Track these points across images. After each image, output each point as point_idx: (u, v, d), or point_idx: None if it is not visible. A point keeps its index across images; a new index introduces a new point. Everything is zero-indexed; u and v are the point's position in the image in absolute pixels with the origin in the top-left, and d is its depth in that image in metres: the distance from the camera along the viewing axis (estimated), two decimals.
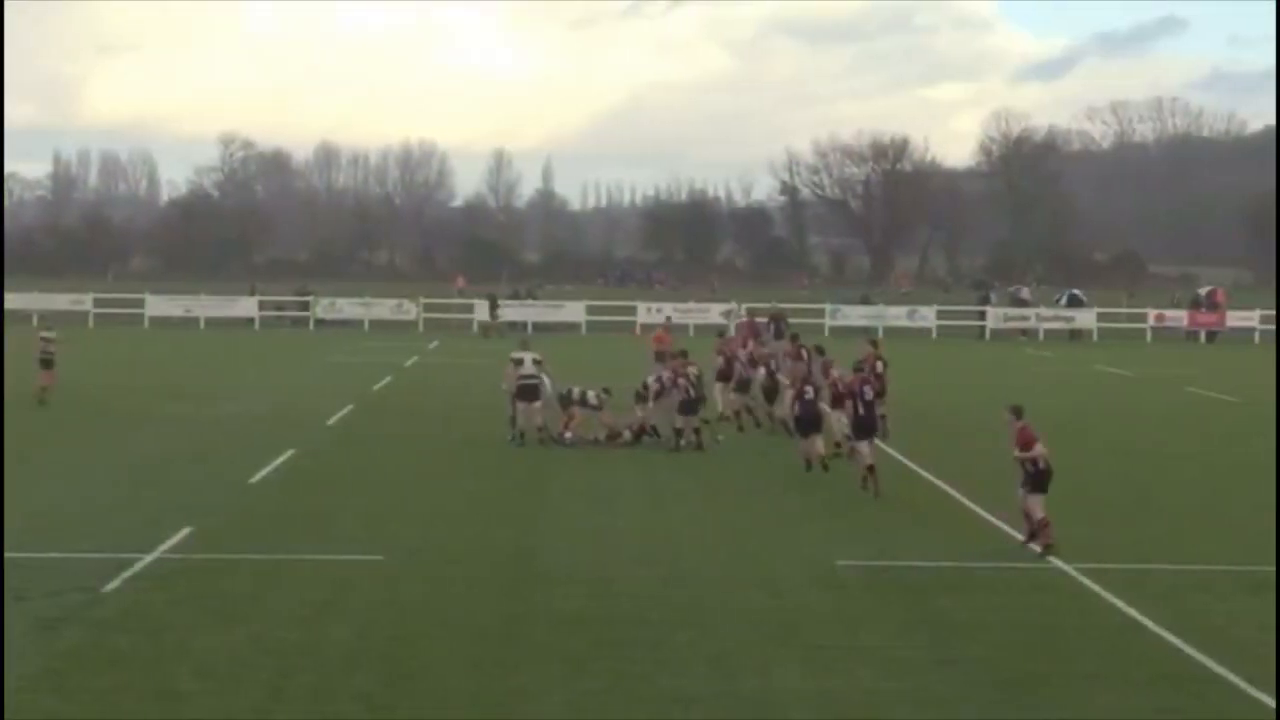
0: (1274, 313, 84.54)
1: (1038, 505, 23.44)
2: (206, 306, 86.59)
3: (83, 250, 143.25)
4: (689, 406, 34.20)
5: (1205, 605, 19.94)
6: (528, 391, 34.54)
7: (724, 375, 38.94)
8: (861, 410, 29.13)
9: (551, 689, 15.94)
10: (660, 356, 40.78)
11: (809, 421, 30.86)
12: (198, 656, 16.84)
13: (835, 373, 32.70)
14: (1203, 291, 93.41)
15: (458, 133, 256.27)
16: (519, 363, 34.90)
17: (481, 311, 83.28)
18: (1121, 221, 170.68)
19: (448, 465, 31.55)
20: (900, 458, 33.25)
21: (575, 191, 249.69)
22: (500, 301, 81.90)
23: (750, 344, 41.38)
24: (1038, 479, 23.54)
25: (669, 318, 63.73)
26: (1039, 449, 23.66)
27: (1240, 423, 42.01)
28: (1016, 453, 23.75)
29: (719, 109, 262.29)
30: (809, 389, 31.01)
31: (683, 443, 33.84)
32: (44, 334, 43.31)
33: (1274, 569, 22.02)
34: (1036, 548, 23.07)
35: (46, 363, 42.21)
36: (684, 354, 35.80)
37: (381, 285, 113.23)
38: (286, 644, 17.40)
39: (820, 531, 24.90)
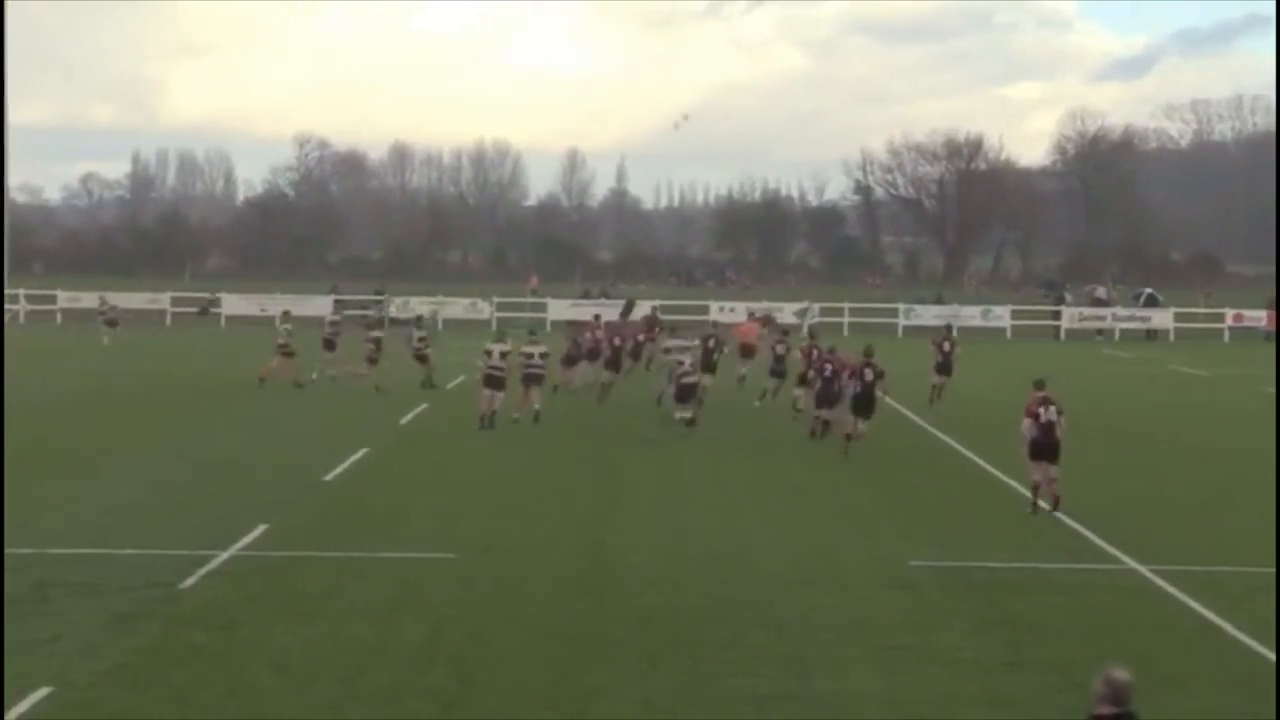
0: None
1: (1032, 468, 26.44)
2: (282, 305, 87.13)
3: (160, 250, 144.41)
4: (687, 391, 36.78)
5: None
6: (492, 381, 37.14)
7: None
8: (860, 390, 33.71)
9: (624, 687, 15.97)
10: (747, 349, 45.43)
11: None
12: (273, 653, 16.98)
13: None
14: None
15: (531, 132, 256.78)
16: (488, 353, 37.50)
17: (557, 310, 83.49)
18: (1199, 221, 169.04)
19: (518, 463, 31.62)
20: (974, 457, 33.14)
21: (649, 191, 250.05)
22: (636, 303, 79.50)
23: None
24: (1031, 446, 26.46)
25: (752, 312, 64.21)
26: (1025, 421, 26.65)
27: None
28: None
29: (794, 109, 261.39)
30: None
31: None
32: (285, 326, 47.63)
33: None
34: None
35: (286, 352, 46.79)
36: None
37: (455, 285, 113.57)
38: (360, 641, 17.52)
39: (892, 530, 24.84)
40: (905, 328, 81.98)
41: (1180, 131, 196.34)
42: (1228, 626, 18.60)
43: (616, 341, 44.57)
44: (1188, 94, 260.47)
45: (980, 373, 51.60)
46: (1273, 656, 17.29)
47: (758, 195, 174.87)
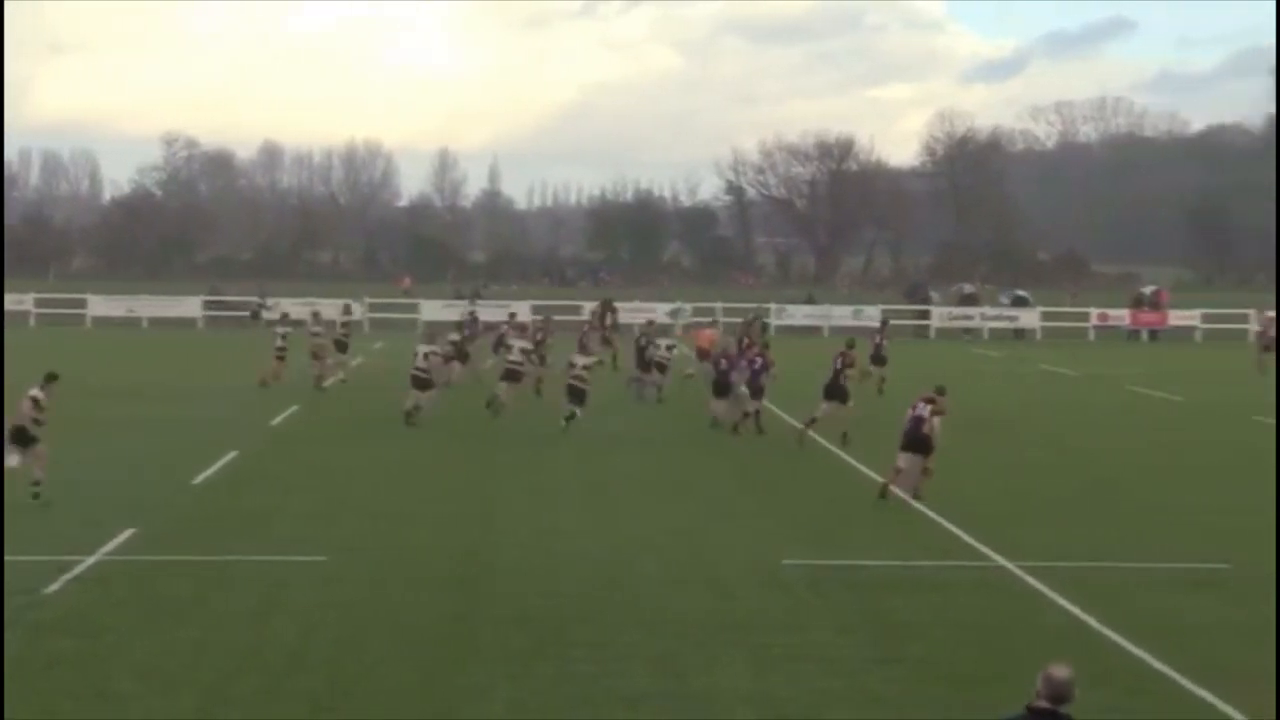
0: (1220, 312, 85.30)
1: (898, 457, 27.83)
2: (150, 306, 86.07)
3: (24, 251, 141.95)
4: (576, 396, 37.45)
5: (1148, 603, 20.06)
6: (416, 381, 38.24)
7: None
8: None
9: (496, 689, 15.90)
10: (703, 354, 47.21)
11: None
12: (139, 658, 16.73)
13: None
14: (1146, 291, 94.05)
15: (403, 132, 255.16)
16: (415, 354, 38.84)
17: (430, 311, 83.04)
18: (1065, 221, 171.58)
19: (390, 465, 31.44)
20: (845, 456, 33.36)
21: (521, 191, 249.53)
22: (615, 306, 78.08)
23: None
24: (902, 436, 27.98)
25: (715, 320, 64.76)
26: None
27: (1182, 421, 42.32)
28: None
29: (667, 109, 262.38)
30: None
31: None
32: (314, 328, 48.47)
33: (1210, 567, 22.24)
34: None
35: (281, 356, 47.64)
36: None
37: (326, 285, 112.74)
38: (229, 646, 17.30)
39: (766, 529, 24.93)
40: (778, 327, 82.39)
41: (1046, 133, 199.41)
42: (1093, 622, 18.84)
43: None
44: (1056, 96, 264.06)
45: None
46: (1139, 652, 17.53)
47: (630, 195, 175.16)
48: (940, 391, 28.23)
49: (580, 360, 38.04)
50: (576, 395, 37.28)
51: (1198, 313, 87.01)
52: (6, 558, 21.35)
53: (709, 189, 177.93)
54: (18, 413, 26.47)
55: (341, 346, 49.35)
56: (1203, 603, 20.11)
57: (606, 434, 36.62)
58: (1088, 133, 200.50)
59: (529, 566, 21.76)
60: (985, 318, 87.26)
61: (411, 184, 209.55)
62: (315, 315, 51.82)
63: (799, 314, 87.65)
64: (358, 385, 47.82)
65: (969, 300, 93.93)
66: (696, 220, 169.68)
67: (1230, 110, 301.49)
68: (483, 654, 17.15)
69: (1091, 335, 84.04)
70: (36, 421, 26.33)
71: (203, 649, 17.17)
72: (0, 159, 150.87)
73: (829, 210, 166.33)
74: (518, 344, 41.52)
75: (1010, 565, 22.14)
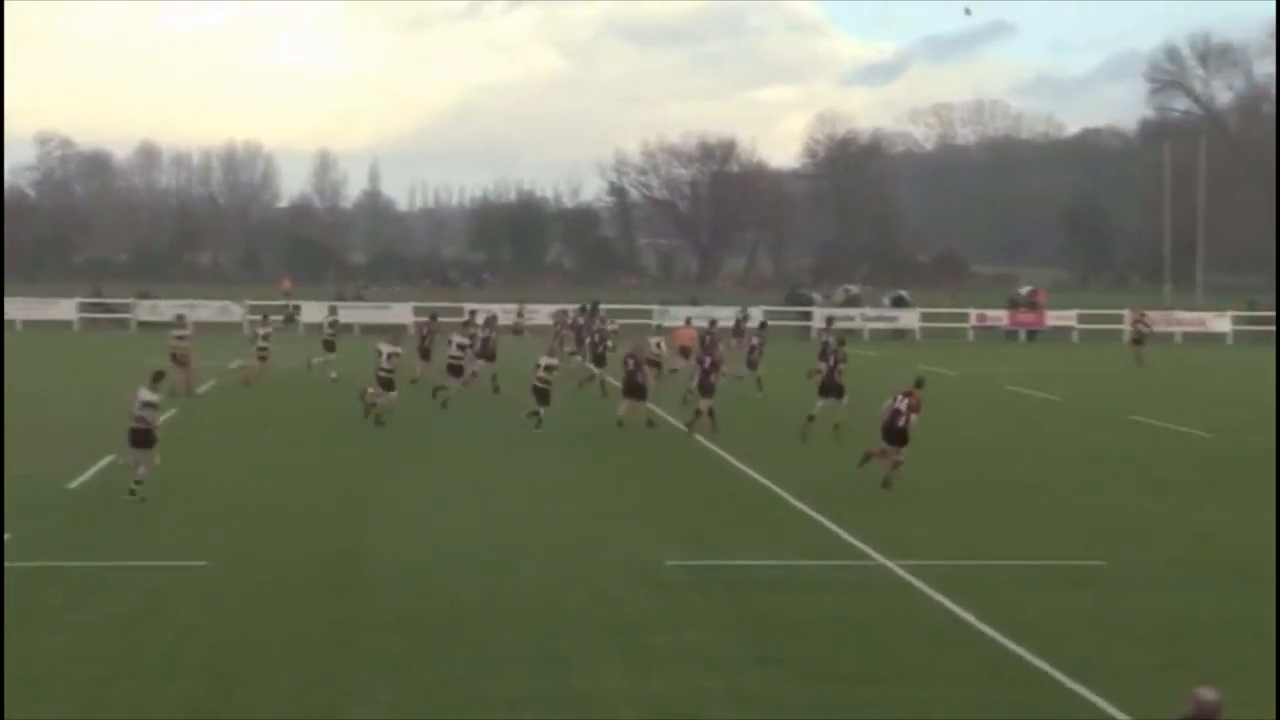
0: (1096, 312, 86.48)
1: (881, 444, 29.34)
2: (23, 309, 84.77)
3: None
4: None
5: (1023, 600, 20.27)
6: (381, 381, 38.80)
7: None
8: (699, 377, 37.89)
9: (376, 692, 15.80)
10: (684, 351, 49.36)
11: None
12: (11, 666, 16.44)
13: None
14: (1023, 291, 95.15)
15: (283, 133, 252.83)
16: (379, 354, 39.24)
17: (311, 313, 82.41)
18: (944, 223, 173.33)
19: (271, 468, 31.18)
20: (726, 456, 33.47)
21: (402, 192, 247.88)
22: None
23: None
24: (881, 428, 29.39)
25: (689, 319, 67.64)
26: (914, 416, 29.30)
27: (1059, 420, 42.82)
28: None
29: (550, 110, 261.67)
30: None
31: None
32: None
33: (1087, 564, 22.53)
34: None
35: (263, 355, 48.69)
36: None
37: (205, 287, 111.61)
38: (105, 653, 17.07)
39: (647, 531, 24.96)
40: (660, 327, 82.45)
41: (925, 135, 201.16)
42: (971, 620, 19.01)
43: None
44: (936, 99, 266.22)
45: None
46: (1016, 649, 17.71)
47: (513, 196, 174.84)
48: (919, 384, 29.80)
49: (545, 360, 38.52)
50: (541, 396, 37.83)
51: (1074, 313, 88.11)
52: None
53: (591, 190, 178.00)
54: (133, 415, 27.05)
55: (330, 346, 50.72)
56: (1079, 600, 20.35)
57: (492, 435, 36.51)
58: (966, 135, 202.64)
59: (410, 569, 21.65)
60: (866, 318, 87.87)
61: (292, 185, 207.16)
62: (180, 319, 51.80)
63: (682, 315, 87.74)
64: (236, 388, 47.34)
65: (851, 301, 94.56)
66: (579, 221, 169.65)
67: (1104, 114, 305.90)
68: (363, 658, 17.03)
69: (971, 336, 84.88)
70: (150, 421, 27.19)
71: (77, 656, 16.93)
72: (0, 159, 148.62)
73: (711, 211, 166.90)
74: (456, 339, 43.12)
75: (890, 564, 22.30)
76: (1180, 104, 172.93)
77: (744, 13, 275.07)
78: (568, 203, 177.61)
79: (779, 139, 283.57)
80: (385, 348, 39.27)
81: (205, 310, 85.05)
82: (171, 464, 31.51)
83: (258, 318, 57.40)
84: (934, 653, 17.57)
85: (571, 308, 63.55)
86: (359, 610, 19.24)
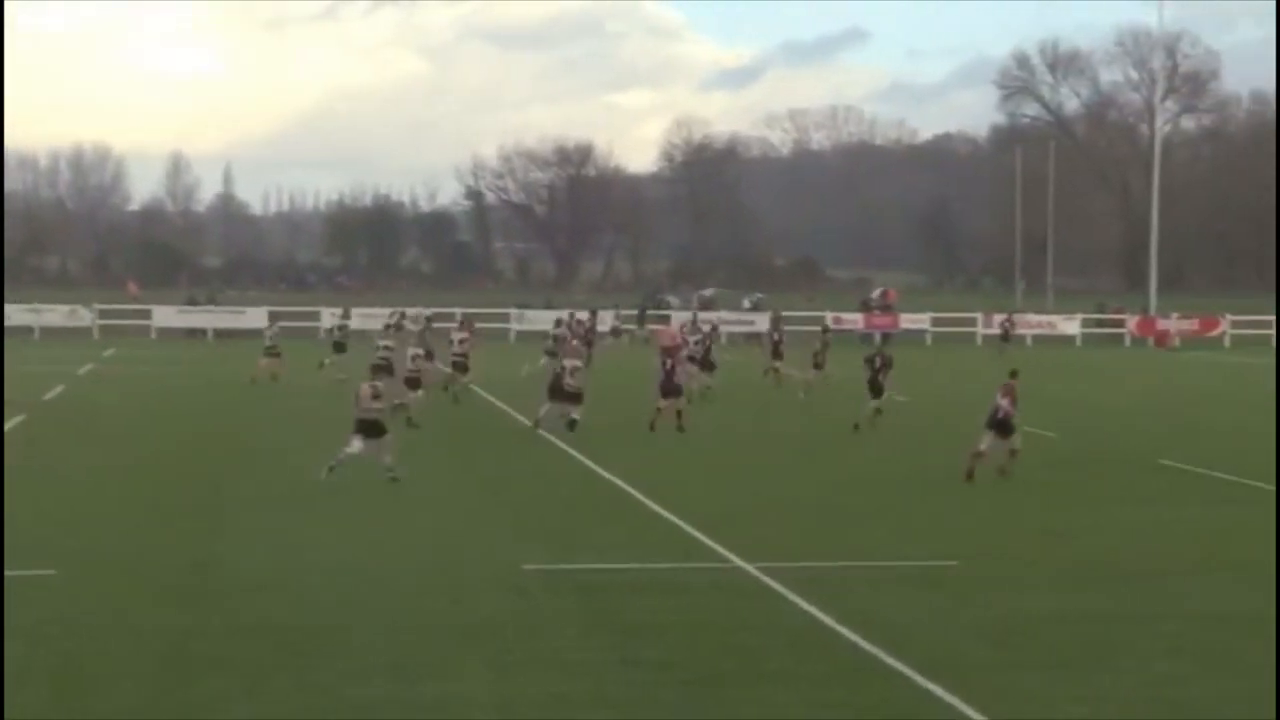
0: (949, 315, 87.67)
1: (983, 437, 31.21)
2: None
3: None
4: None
5: (879, 600, 20.44)
6: (408, 382, 40.05)
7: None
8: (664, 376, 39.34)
9: (231, 701, 15.60)
10: (667, 350, 48.37)
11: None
12: None
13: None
14: (875, 294, 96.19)
15: (134, 135, 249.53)
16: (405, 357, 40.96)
17: (163, 318, 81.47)
18: (800, 227, 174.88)
19: (123, 474, 30.71)
20: (583, 459, 33.49)
21: (257, 196, 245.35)
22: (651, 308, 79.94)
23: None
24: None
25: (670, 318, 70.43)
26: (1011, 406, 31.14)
27: (912, 422, 43.27)
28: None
29: (409, 114, 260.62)
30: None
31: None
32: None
33: (940, 565, 22.80)
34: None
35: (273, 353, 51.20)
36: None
37: (53, 292, 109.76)
38: None
39: (505, 534, 24.90)
40: (518, 332, 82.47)
41: (781, 140, 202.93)
42: (828, 621, 19.15)
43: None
44: (793, 104, 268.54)
45: (596, 376, 52.25)
46: (871, 648, 17.86)
47: (369, 200, 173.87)
48: (1013, 375, 31.74)
49: (570, 364, 39.19)
50: (572, 398, 38.45)
51: (927, 316, 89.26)
52: None
53: (448, 194, 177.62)
54: (360, 406, 29.36)
55: (340, 348, 52.56)
56: (932, 600, 20.57)
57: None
58: (821, 140, 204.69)
59: (267, 575, 21.43)
60: (723, 321, 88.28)
61: (143, 188, 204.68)
62: (273, 320, 54.08)
63: (539, 319, 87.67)
64: (86, 392, 46.65)
65: (708, 305, 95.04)
66: (435, 226, 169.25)
67: (957, 120, 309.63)
68: (219, 665, 16.80)
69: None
70: (381, 410, 29.46)
71: None
72: (0, 160, 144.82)
73: (568, 215, 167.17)
74: (411, 351, 41.99)
75: (748, 566, 22.41)
76: (1030, 110, 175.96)
77: (603, 17, 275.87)
78: (425, 206, 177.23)
79: (637, 143, 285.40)
80: (410, 349, 41.00)
81: (54, 315, 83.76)
82: (22, 468, 31.02)
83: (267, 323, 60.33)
84: (792, 654, 17.67)
85: (582, 314, 67.49)
86: (215, 616, 18.99)
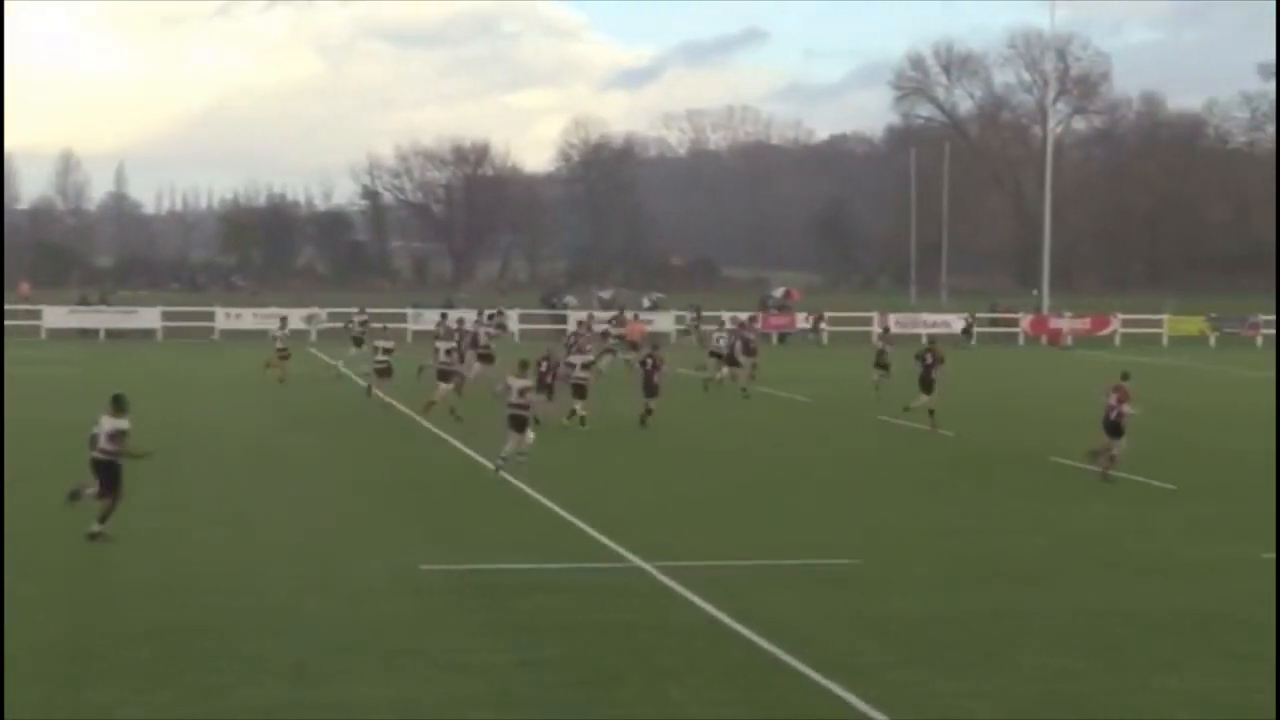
0: (845, 314, 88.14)
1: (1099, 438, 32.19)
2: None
3: None
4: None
5: (777, 599, 20.54)
6: (441, 375, 41.97)
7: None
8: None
9: (125, 705, 15.45)
10: (634, 345, 52.29)
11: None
12: None
13: None
14: (776, 293, 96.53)
15: (23, 134, 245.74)
16: (436, 351, 42.69)
17: (54, 318, 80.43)
18: (697, 227, 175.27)
19: (11, 475, 30.24)
20: (484, 461, 33.41)
21: (149, 195, 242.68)
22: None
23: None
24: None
25: (636, 315, 70.40)
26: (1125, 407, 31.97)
27: (812, 421, 43.52)
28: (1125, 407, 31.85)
29: (305, 113, 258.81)
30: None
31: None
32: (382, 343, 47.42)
33: (840, 563, 22.94)
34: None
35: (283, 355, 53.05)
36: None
37: None
38: None
39: (403, 535, 24.80)
40: (415, 331, 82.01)
41: (679, 140, 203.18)
42: (726, 619, 19.23)
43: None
44: (691, 104, 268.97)
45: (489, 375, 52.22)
46: (770, 647, 17.95)
47: (264, 200, 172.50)
48: (1125, 378, 32.65)
49: (578, 360, 40.71)
50: (579, 391, 39.72)
51: (826, 315, 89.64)
52: None
53: (344, 194, 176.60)
54: (509, 401, 30.97)
55: (358, 342, 55.34)
56: (832, 598, 20.69)
57: (245, 445, 35.99)
58: (718, 141, 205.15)
59: (158, 578, 21.22)
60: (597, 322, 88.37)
61: (32, 187, 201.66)
62: (283, 320, 56.99)
63: (436, 318, 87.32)
64: None
65: (608, 305, 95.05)
66: (331, 225, 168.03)
67: (853, 120, 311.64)
68: (110, 669, 16.63)
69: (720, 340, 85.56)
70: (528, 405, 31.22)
71: None
72: (0, 160, 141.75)
73: (465, 215, 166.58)
74: (443, 346, 43.16)
75: (646, 566, 22.45)
76: (925, 111, 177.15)
77: (499, 16, 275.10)
78: (320, 206, 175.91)
79: (535, 143, 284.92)
80: (441, 344, 42.70)
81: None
82: None
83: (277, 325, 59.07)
84: (691, 652, 17.73)
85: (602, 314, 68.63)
86: (104, 620, 18.79)
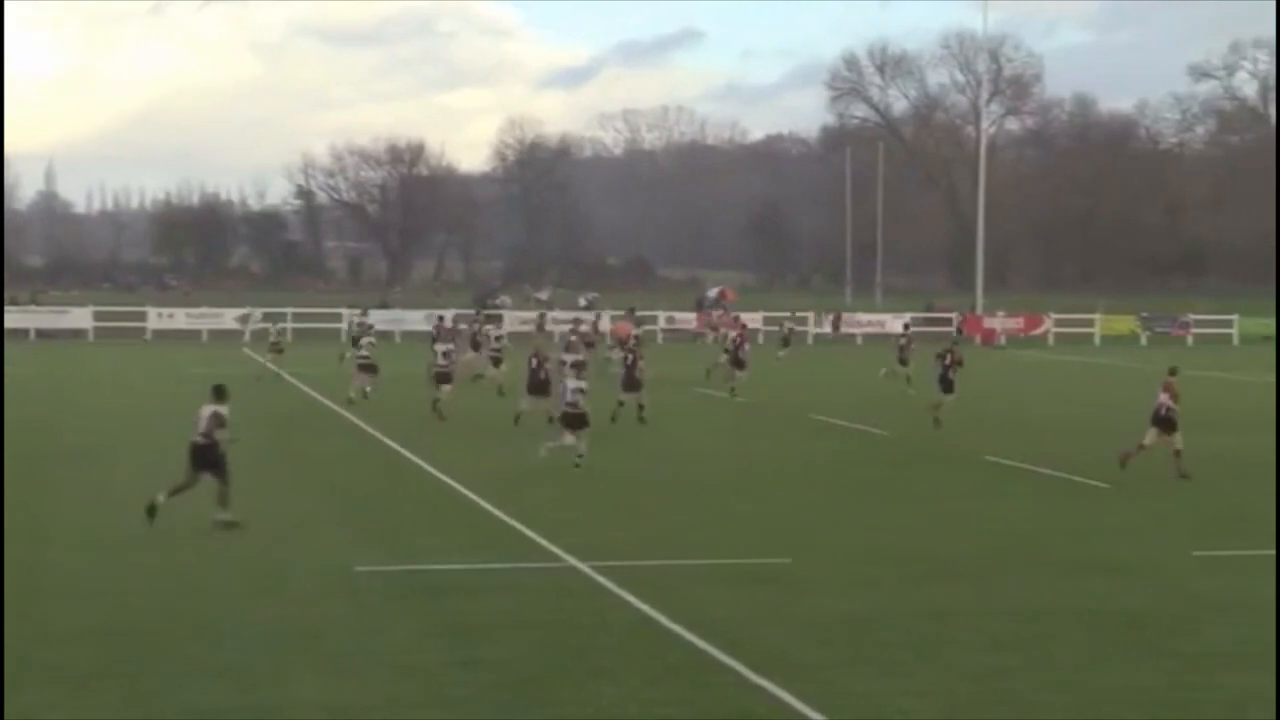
0: (777, 314, 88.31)
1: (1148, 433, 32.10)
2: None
3: None
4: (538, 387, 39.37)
5: (712, 598, 20.56)
6: (440, 376, 42.24)
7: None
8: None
9: (57, 709, 15.33)
10: (622, 343, 51.51)
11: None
12: None
13: None
14: (712, 293, 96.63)
15: None
16: (435, 354, 43.15)
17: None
18: (633, 227, 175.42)
19: None
20: (416, 460, 33.32)
21: (80, 195, 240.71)
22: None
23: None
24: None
25: (632, 309, 73.39)
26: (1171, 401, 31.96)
27: (746, 421, 43.61)
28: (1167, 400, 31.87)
29: (240, 112, 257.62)
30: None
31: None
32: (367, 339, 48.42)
33: (773, 562, 22.99)
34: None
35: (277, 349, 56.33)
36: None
37: None
38: None
39: (337, 536, 24.70)
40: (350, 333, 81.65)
41: (614, 140, 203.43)
42: (661, 619, 19.23)
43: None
44: (628, 104, 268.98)
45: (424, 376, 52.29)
46: (704, 646, 17.96)
47: (197, 199, 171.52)
48: (1172, 373, 32.61)
49: (570, 358, 40.42)
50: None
51: (759, 315, 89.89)
52: None
53: (278, 193, 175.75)
54: (566, 402, 32.21)
55: (356, 341, 53.65)
56: (765, 597, 20.73)
57: (180, 445, 35.68)
58: (653, 141, 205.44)
59: (92, 580, 21.07)
60: (557, 321, 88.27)
61: None
62: (275, 321, 60.62)
63: (372, 318, 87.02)
64: None
65: (541, 304, 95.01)
66: (265, 225, 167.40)
67: (790, 121, 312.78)
68: (44, 673, 16.48)
69: (660, 339, 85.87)
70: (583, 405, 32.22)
71: None
72: (1, 162, 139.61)
73: (400, 215, 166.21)
74: (441, 348, 43.55)
75: (581, 565, 22.43)
76: (860, 111, 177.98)
77: (436, 16, 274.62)
78: (254, 206, 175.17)
79: (470, 143, 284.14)
80: (440, 347, 43.33)
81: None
82: None
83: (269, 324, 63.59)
84: (626, 652, 17.72)
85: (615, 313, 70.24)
86: (39, 624, 18.61)
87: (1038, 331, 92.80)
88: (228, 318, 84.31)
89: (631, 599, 20.35)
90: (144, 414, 42.32)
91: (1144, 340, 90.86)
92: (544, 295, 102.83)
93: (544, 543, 24.18)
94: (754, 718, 15.57)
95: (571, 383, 32.55)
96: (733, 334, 54.63)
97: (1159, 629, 19.23)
